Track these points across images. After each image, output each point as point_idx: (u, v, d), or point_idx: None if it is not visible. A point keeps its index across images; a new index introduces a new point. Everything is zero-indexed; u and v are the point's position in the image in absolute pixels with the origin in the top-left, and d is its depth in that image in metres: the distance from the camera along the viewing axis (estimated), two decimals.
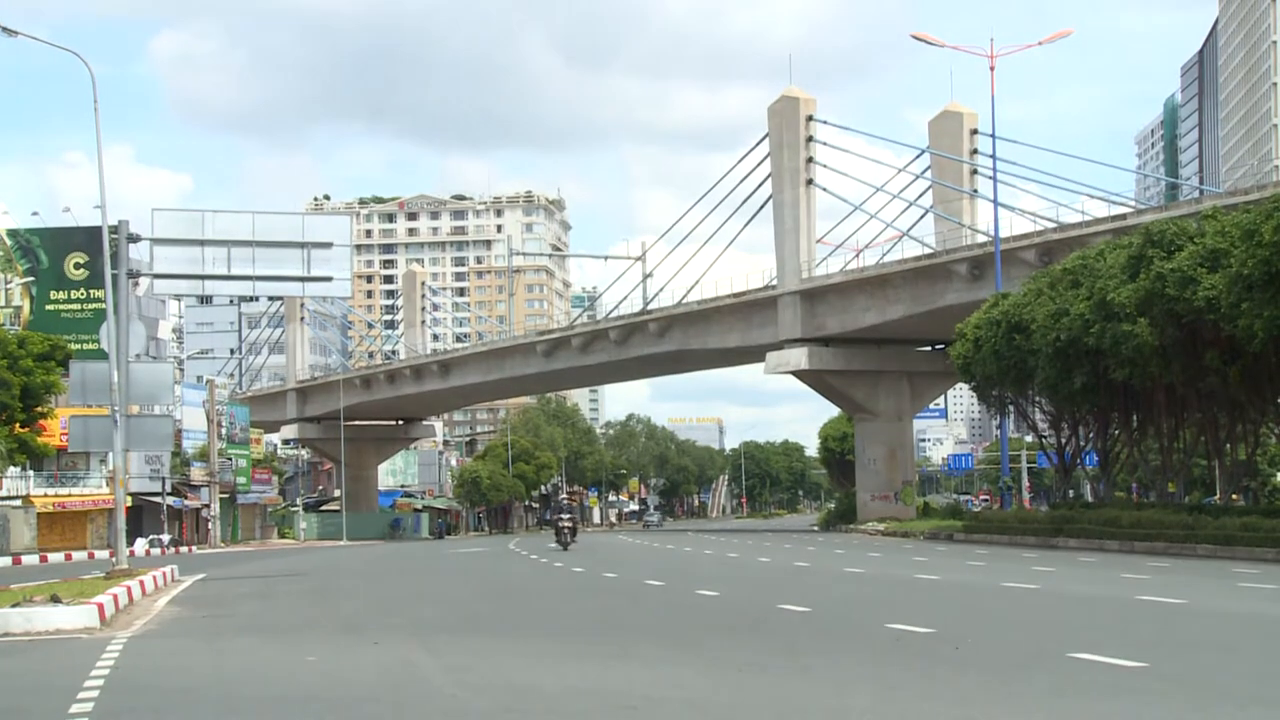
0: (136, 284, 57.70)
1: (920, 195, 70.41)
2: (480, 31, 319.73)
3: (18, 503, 62.74)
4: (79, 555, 56.03)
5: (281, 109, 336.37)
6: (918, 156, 70.39)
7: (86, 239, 69.78)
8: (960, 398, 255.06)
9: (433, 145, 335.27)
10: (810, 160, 71.56)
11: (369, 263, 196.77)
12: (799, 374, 72.28)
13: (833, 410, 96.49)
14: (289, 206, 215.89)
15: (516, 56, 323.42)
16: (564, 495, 36.20)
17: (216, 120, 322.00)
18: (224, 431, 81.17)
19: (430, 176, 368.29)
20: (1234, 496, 46.50)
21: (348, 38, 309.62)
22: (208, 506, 77.86)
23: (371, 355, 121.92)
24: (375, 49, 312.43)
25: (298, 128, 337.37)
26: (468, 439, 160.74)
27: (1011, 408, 51.32)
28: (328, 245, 30.60)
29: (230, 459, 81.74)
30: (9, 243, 75.95)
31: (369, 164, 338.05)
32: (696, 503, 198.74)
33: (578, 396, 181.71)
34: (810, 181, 71.49)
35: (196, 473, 79.23)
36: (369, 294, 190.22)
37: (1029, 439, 77.24)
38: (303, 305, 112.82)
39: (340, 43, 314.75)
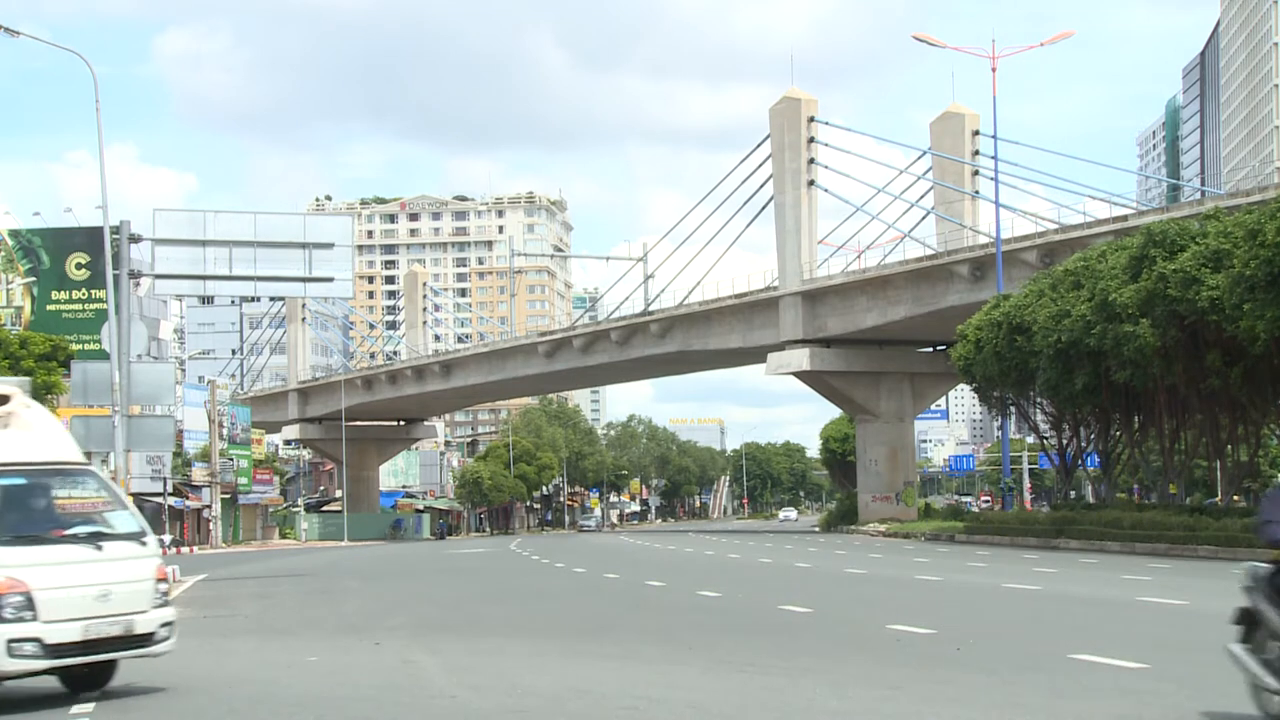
0: (138, 284, 57.71)
1: (922, 196, 70.39)
2: (487, 31, 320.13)
3: None
4: None
5: (287, 108, 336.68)
6: (919, 157, 70.39)
7: (88, 239, 69.70)
8: (962, 399, 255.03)
9: (437, 144, 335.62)
10: (812, 161, 71.54)
11: (370, 263, 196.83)
12: (800, 375, 72.24)
13: (834, 411, 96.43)
14: (294, 206, 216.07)
15: (523, 56, 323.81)
16: None
17: (221, 120, 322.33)
18: (225, 432, 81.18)
19: (433, 176, 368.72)
20: (1235, 498, 46.46)
21: (354, 36, 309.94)
22: (209, 507, 77.87)
23: (373, 356, 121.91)
24: (381, 48, 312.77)
25: (303, 127, 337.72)
26: (469, 440, 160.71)
27: (1013, 409, 51.29)
28: (329, 246, 30.65)
29: (232, 459, 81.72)
30: (10, 243, 75.98)
31: (373, 164, 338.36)
32: (698, 503, 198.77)
33: (579, 397, 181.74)
34: (812, 183, 71.47)
35: (198, 473, 79.23)
36: (370, 294, 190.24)
37: (1030, 440, 77.25)
38: (304, 306, 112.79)
39: (346, 41, 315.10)
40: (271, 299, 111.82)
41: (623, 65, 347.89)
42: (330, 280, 31.04)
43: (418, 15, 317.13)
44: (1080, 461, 52.18)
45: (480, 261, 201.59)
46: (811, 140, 71.69)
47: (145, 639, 11.97)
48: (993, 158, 60.50)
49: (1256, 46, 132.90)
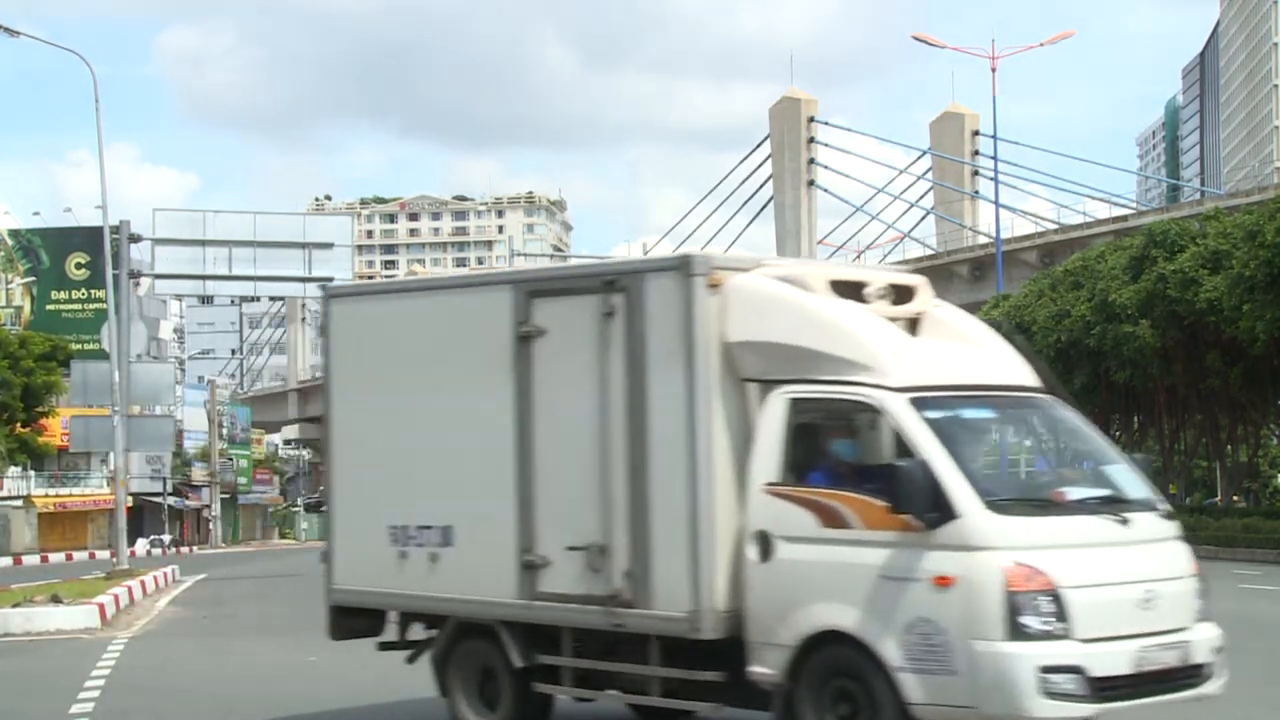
0: (138, 284, 57.65)
1: (922, 196, 70.39)
2: (488, 30, 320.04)
3: (19, 503, 62.75)
4: (80, 555, 56.01)
5: (287, 108, 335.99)
6: (919, 157, 70.44)
7: (88, 239, 69.69)
8: None
9: (438, 144, 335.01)
10: (812, 161, 71.54)
11: (370, 263, 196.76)
12: None
13: None
14: (294, 206, 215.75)
15: (524, 55, 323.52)
16: None
17: (223, 119, 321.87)
18: (225, 432, 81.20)
19: (433, 176, 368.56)
20: (1235, 498, 46.49)
21: (355, 36, 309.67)
22: (209, 507, 77.90)
23: None
24: (382, 47, 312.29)
25: (304, 127, 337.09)
26: None
27: None
28: (329, 246, 30.71)
29: (231, 459, 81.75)
30: (10, 243, 75.98)
31: (373, 163, 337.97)
32: None
33: None
34: (811, 183, 71.49)
35: (197, 473, 79.26)
36: None
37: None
38: (304, 306, 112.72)
39: (347, 41, 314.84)
40: (271, 299, 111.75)
41: (624, 64, 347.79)
42: (330, 280, 31.06)
43: (419, 14, 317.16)
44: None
45: (480, 261, 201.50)
46: (811, 140, 71.70)
47: (1196, 672, 7.70)
48: (993, 158, 60.44)
49: (1256, 46, 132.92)
